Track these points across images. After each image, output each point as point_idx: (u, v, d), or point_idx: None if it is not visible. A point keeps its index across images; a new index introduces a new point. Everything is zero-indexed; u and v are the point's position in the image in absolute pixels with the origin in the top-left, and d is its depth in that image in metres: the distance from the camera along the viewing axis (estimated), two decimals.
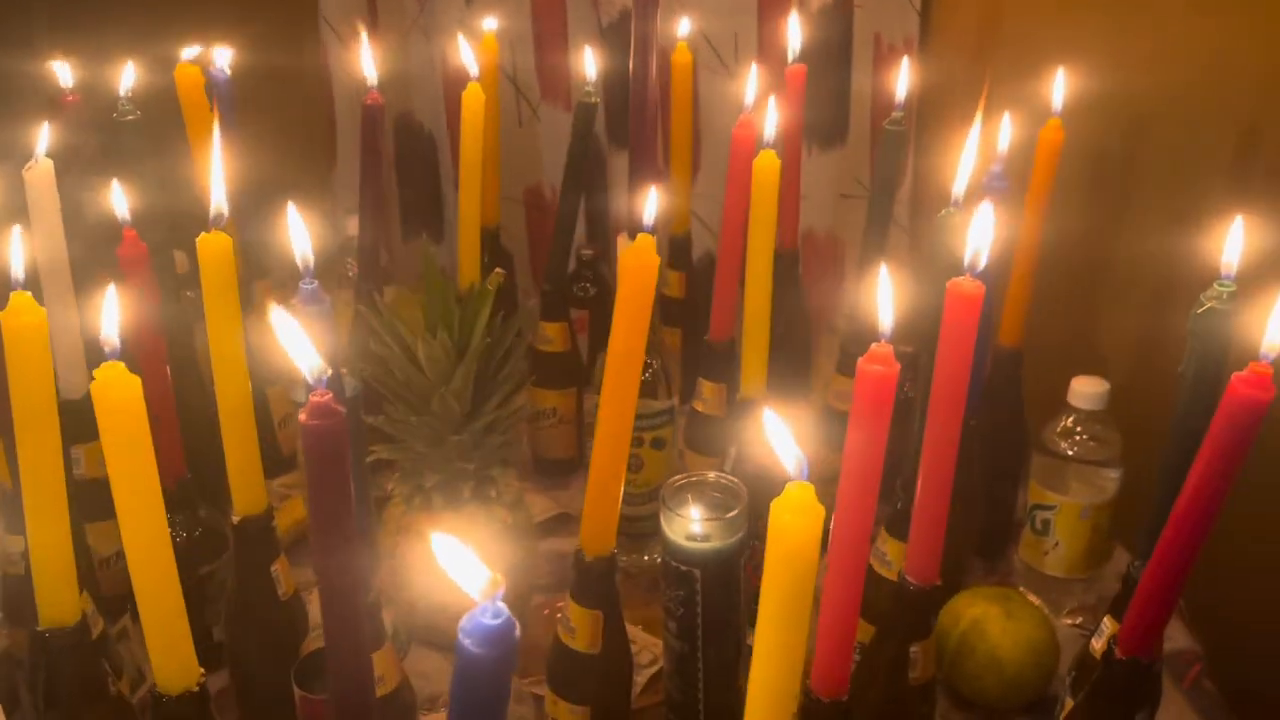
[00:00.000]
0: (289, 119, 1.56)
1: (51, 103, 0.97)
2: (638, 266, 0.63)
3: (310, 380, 0.48)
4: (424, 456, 0.86)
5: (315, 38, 1.51)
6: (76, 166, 0.84)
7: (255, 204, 1.05)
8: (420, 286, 1.41)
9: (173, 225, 0.94)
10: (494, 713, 0.38)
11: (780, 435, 0.44)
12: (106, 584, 0.88)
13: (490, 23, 1.19)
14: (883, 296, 0.55)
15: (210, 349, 0.69)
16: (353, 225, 1.21)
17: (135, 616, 0.90)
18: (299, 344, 0.48)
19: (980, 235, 0.62)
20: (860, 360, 0.54)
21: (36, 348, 0.57)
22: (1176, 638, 0.95)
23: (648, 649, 0.91)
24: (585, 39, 1.38)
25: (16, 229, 0.60)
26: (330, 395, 0.49)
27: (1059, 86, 0.90)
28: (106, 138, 0.91)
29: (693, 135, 1.29)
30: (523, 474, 1.14)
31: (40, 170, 0.77)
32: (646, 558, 1.03)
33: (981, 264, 0.62)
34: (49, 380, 0.58)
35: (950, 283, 0.62)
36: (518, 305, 1.31)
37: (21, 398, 0.57)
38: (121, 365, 0.51)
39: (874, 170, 1.24)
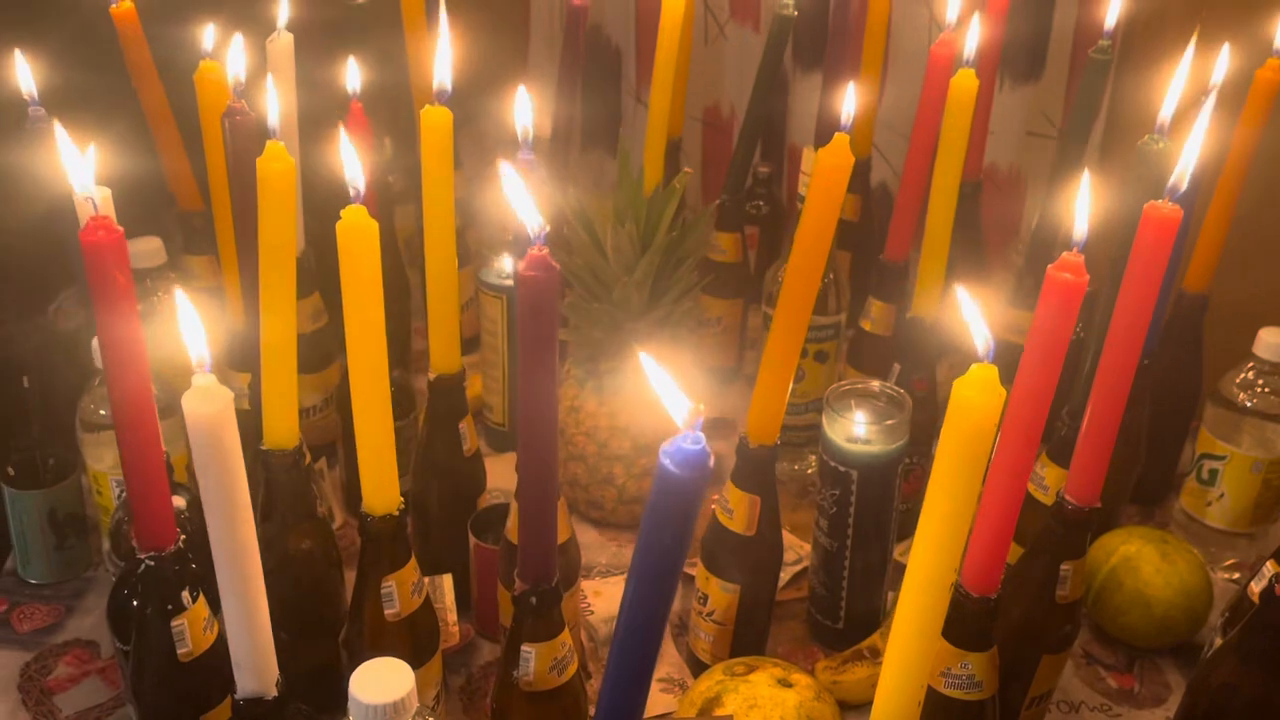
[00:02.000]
0: (484, 20, 1.61)
1: None
2: (833, 164, 0.65)
3: (531, 235, 0.53)
4: (601, 343, 0.91)
5: None
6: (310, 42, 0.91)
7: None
8: (600, 194, 1.46)
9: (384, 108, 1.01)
10: (684, 529, 0.42)
11: (974, 314, 0.46)
12: (306, 432, 0.97)
13: None
14: (1080, 205, 0.56)
15: (424, 213, 0.75)
16: (542, 128, 1.26)
17: (330, 462, 0.99)
18: (524, 201, 0.52)
19: (1191, 154, 0.61)
20: (1050, 267, 0.55)
21: (286, 192, 0.63)
22: None
23: (793, 549, 0.94)
24: None
25: (270, 81, 0.66)
26: (547, 250, 0.53)
27: None
28: (338, 16, 0.97)
29: (883, 61, 1.28)
30: None
31: (282, 42, 0.84)
32: (797, 466, 1.06)
33: (1185, 185, 0.61)
34: (293, 221, 0.64)
35: (1148, 205, 0.62)
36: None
37: (269, 237, 0.64)
38: (364, 209, 0.56)
39: (1073, 100, 1.20)
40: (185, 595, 0.62)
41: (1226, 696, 0.68)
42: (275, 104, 0.64)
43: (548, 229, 0.53)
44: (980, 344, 0.45)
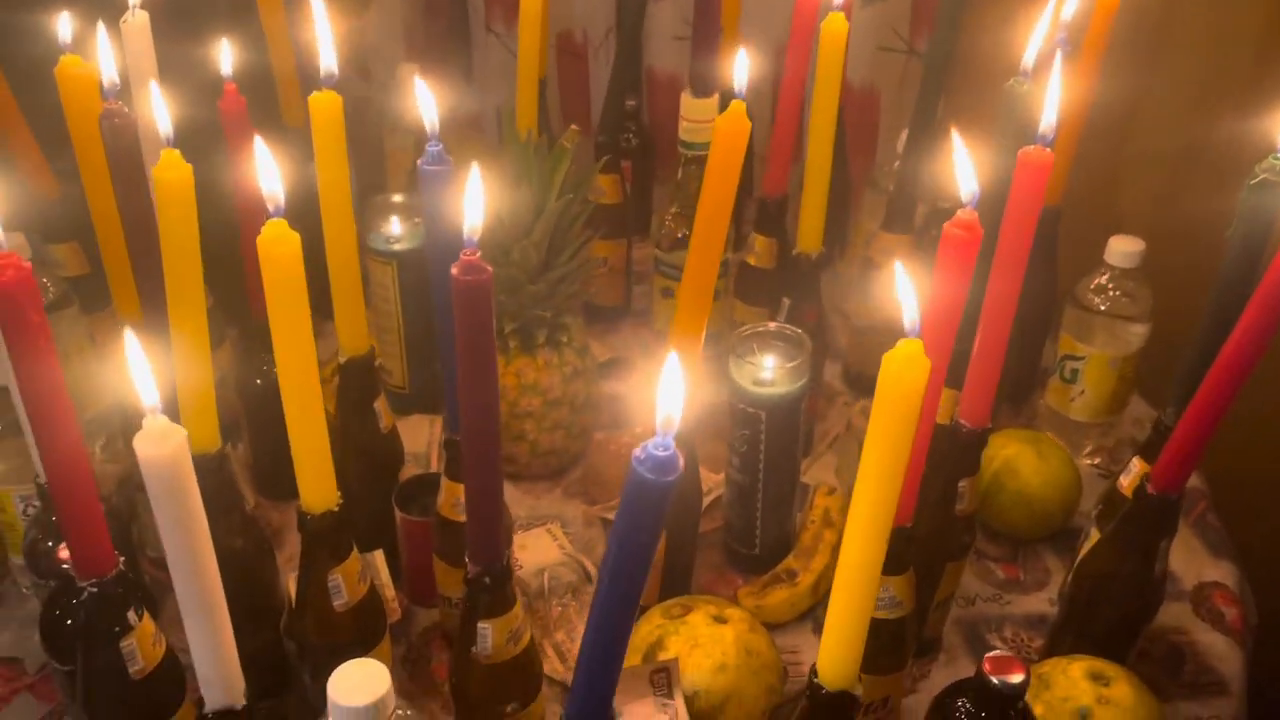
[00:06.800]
0: None
1: None
2: (730, 131, 0.67)
3: (465, 239, 0.53)
4: (503, 304, 0.92)
5: None
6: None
7: None
8: (468, 133, 1.44)
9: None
10: (656, 525, 0.45)
11: (907, 291, 0.49)
12: None
13: None
14: (962, 165, 0.60)
15: (321, 201, 0.73)
16: (408, 74, 1.24)
17: (234, 444, 0.97)
18: (466, 204, 0.53)
19: (1053, 100, 0.66)
20: (946, 224, 0.60)
21: (185, 201, 0.61)
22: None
23: (704, 480, 0.99)
24: None
25: (154, 84, 0.63)
26: (478, 253, 0.54)
27: None
28: None
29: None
30: None
31: (137, 23, 0.79)
32: None
33: (1052, 135, 0.66)
34: (194, 230, 0.63)
35: (1022, 151, 0.66)
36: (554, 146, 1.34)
37: (172, 249, 0.62)
38: (284, 222, 0.56)
39: (921, 15, 1.24)
40: (131, 615, 0.62)
41: (1106, 582, 0.76)
42: (163, 109, 0.62)
43: (479, 234, 0.54)
44: (908, 321, 0.49)
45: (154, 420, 0.47)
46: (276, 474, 0.97)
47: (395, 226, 1.00)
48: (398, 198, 1.02)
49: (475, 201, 0.53)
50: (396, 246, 0.99)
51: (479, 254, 0.54)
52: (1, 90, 0.92)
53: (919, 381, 0.48)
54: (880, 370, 0.49)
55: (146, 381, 0.47)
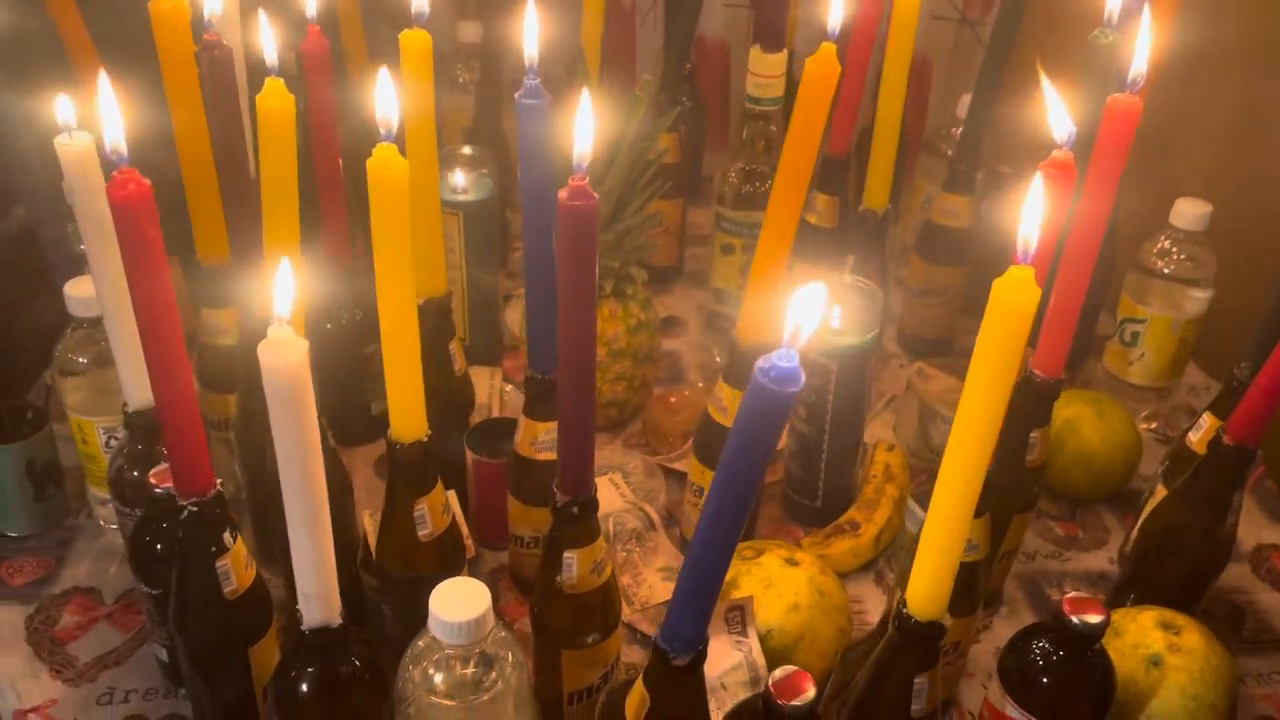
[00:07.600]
0: None
1: None
2: (821, 72, 0.68)
3: (575, 164, 0.54)
4: None
5: None
6: None
7: None
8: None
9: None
10: (774, 438, 0.45)
11: (1033, 210, 0.50)
12: None
13: None
14: (1057, 107, 0.60)
15: (407, 141, 0.74)
16: (467, 31, 1.24)
17: None
18: (579, 132, 0.53)
19: (1144, 47, 0.66)
20: (1041, 165, 0.60)
21: (287, 128, 0.62)
22: None
23: None
24: None
25: (263, 16, 0.64)
26: (586, 180, 0.55)
27: None
28: None
29: None
30: None
31: None
32: None
33: (1141, 81, 0.66)
34: (294, 159, 0.64)
35: (1111, 98, 0.67)
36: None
37: (271, 175, 0.63)
38: (394, 146, 0.56)
39: None
40: (227, 536, 0.63)
41: (1177, 534, 0.77)
42: (270, 38, 0.63)
43: (587, 160, 0.54)
44: (1020, 245, 0.50)
45: (279, 330, 0.48)
46: (344, 419, 0.98)
47: (460, 178, 1.01)
48: (466, 149, 1.02)
49: (586, 126, 0.54)
50: (462, 197, 1.00)
51: (587, 179, 0.55)
52: (80, 34, 0.93)
53: (1029, 306, 0.49)
54: (990, 295, 0.50)
55: (287, 294, 0.48)
